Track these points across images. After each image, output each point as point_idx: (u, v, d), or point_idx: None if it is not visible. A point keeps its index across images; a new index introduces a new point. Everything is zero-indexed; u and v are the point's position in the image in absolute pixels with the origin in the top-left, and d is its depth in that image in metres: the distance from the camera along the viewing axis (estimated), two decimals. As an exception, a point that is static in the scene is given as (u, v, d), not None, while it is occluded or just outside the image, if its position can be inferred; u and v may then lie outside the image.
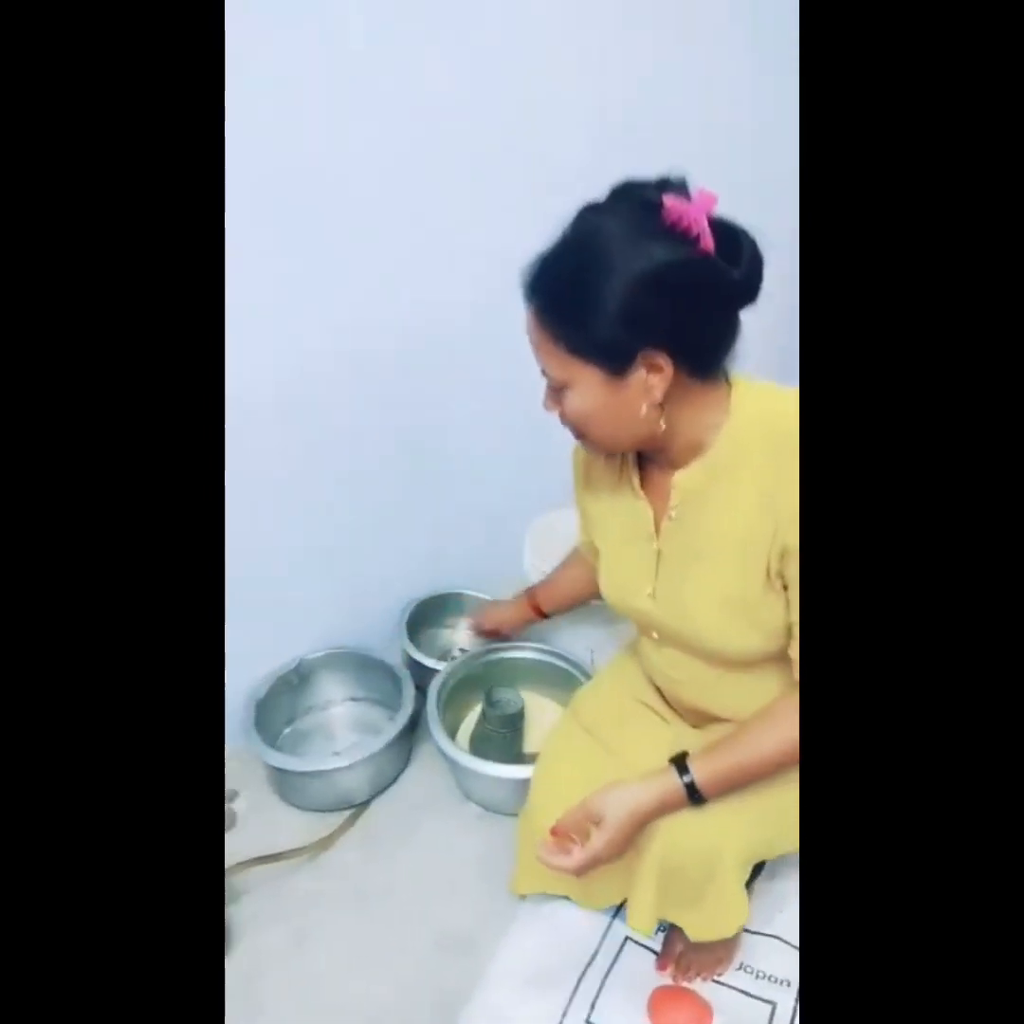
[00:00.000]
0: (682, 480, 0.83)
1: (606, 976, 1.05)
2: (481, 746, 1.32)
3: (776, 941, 1.08)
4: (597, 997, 1.03)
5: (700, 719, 1.00)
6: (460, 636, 1.62)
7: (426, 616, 1.57)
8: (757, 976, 1.05)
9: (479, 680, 1.39)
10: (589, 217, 0.73)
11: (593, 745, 1.03)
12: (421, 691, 1.36)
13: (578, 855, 0.83)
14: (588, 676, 1.36)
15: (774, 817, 0.86)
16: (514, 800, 1.21)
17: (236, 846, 1.25)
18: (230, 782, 1.35)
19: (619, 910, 1.11)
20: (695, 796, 0.82)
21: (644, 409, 0.76)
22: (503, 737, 1.32)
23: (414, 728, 1.35)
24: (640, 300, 0.70)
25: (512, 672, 1.42)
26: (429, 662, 1.42)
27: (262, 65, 0.98)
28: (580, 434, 0.84)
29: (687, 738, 0.97)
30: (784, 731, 0.80)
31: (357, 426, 1.33)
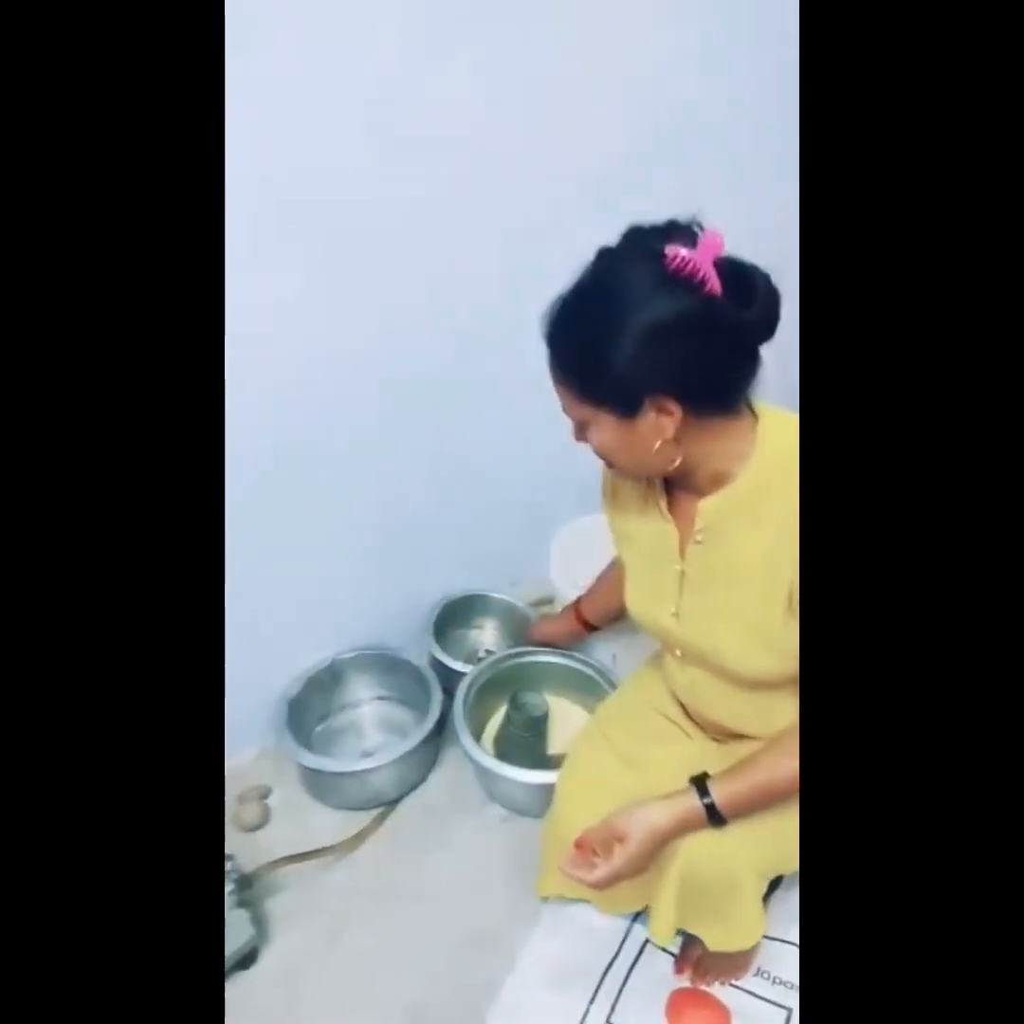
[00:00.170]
0: (707, 508, 0.85)
1: (627, 977, 1.09)
2: (505, 748, 1.36)
3: (793, 948, 1.11)
4: (618, 998, 1.07)
5: (723, 734, 1.02)
6: (486, 637, 1.66)
7: (453, 617, 1.60)
8: (773, 982, 1.08)
9: (504, 683, 1.43)
10: (599, 266, 0.76)
11: (617, 757, 1.06)
12: (447, 692, 1.39)
13: (600, 871, 0.86)
14: (610, 681, 1.38)
15: (791, 835, 0.89)
16: (537, 803, 1.25)
17: (269, 841, 1.31)
18: (263, 779, 1.40)
19: (639, 913, 1.14)
20: (715, 817, 0.85)
21: (657, 445, 0.78)
22: (527, 740, 1.35)
23: (441, 730, 1.39)
24: (646, 352, 0.72)
25: (536, 676, 1.45)
26: (455, 664, 1.46)
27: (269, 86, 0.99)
28: (608, 463, 0.87)
29: (709, 754, 1.00)
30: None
31: (388, 433, 1.35)
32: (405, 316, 1.25)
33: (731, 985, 1.08)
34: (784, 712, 0.90)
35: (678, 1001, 1.06)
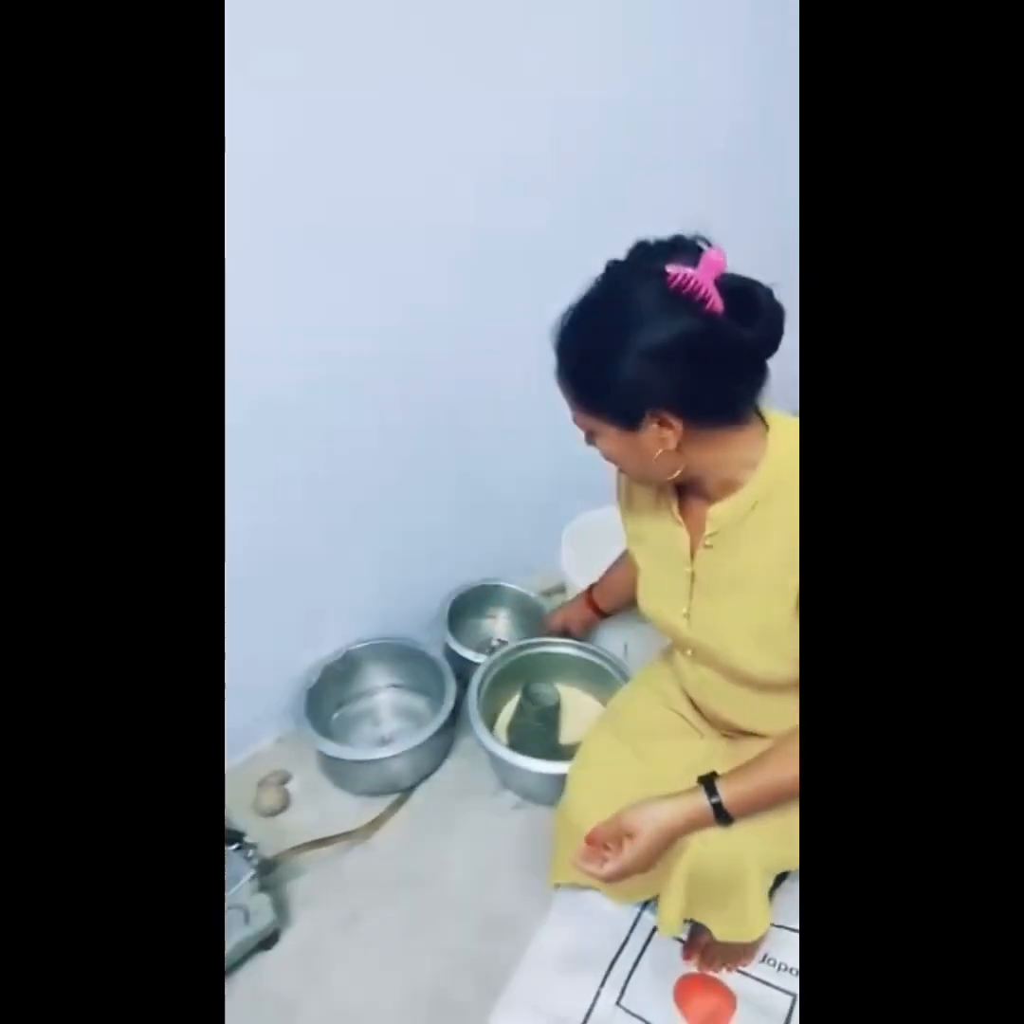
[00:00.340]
0: (716, 514, 0.86)
1: (636, 963, 1.13)
2: (518, 737, 1.39)
3: (799, 935, 1.14)
4: (627, 982, 1.11)
5: (732, 731, 1.04)
6: (498, 626, 1.68)
7: (466, 607, 1.62)
8: (779, 968, 1.11)
9: (517, 673, 1.45)
10: (605, 281, 0.77)
11: (628, 752, 1.08)
12: (460, 680, 1.42)
13: (610, 865, 0.89)
14: (622, 671, 1.41)
15: (796, 833, 0.91)
16: (549, 791, 1.28)
17: (289, 825, 1.35)
18: (284, 765, 1.44)
19: (649, 901, 1.17)
20: (722, 816, 0.87)
21: (659, 454, 0.80)
22: (540, 730, 1.38)
23: (455, 719, 1.41)
24: (646, 369, 0.73)
25: (548, 666, 1.47)
26: (467, 653, 1.48)
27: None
28: (618, 467, 0.88)
29: (719, 752, 1.02)
30: None
31: (405, 425, 1.37)
32: (421, 311, 1.26)
33: (738, 971, 1.11)
34: (792, 713, 0.91)
35: (686, 986, 1.09)
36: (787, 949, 1.13)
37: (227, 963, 1.12)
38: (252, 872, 1.08)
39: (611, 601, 1.35)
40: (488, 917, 1.21)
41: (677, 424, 0.77)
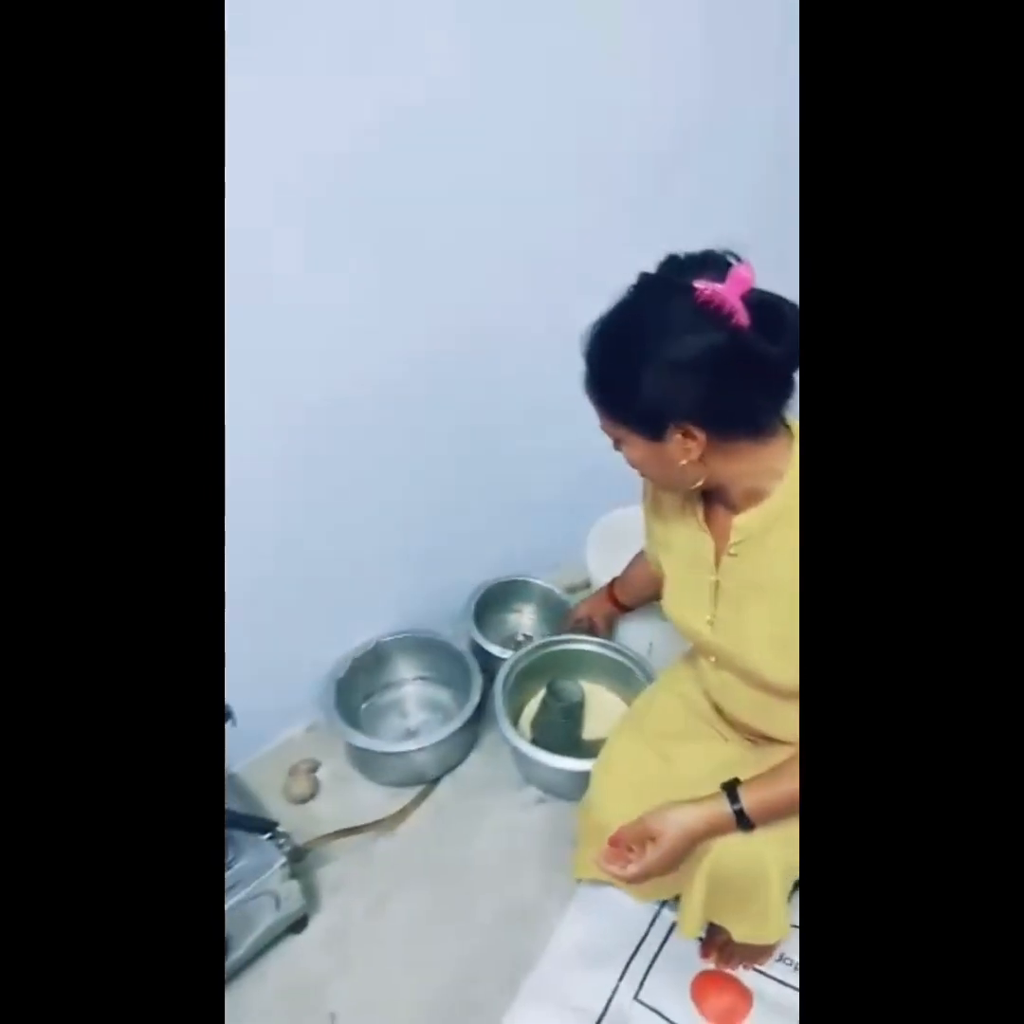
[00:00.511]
0: (741, 524, 0.87)
1: (654, 958, 1.15)
2: (542, 732, 1.41)
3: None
4: (645, 977, 1.13)
5: (754, 736, 1.05)
6: (524, 621, 1.71)
7: (493, 602, 1.65)
8: (795, 967, 1.13)
9: (542, 670, 1.47)
10: (635, 293, 0.78)
11: (651, 754, 1.09)
12: (485, 673, 1.45)
13: (633, 867, 0.91)
14: (646, 670, 1.42)
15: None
16: (571, 787, 1.30)
17: (318, 813, 1.39)
18: (313, 753, 1.48)
19: (667, 899, 1.19)
20: (744, 822, 0.88)
21: (683, 464, 0.81)
22: (563, 726, 1.40)
23: (480, 713, 1.44)
24: (671, 383, 0.75)
25: (573, 663, 1.49)
26: (493, 648, 1.51)
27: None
28: (643, 474, 0.90)
29: (743, 757, 1.03)
30: None
31: (433, 423, 1.38)
32: (451, 312, 1.27)
33: (754, 969, 1.13)
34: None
35: (703, 983, 1.11)
36: (804, 950, 1.15)
37: (258, 946, 1.16)
38: (283, 859, 1.12)
39: (631, 596, 1.38)
40: (511, 908, 1.24)
41: (701, 436, 0.78)
